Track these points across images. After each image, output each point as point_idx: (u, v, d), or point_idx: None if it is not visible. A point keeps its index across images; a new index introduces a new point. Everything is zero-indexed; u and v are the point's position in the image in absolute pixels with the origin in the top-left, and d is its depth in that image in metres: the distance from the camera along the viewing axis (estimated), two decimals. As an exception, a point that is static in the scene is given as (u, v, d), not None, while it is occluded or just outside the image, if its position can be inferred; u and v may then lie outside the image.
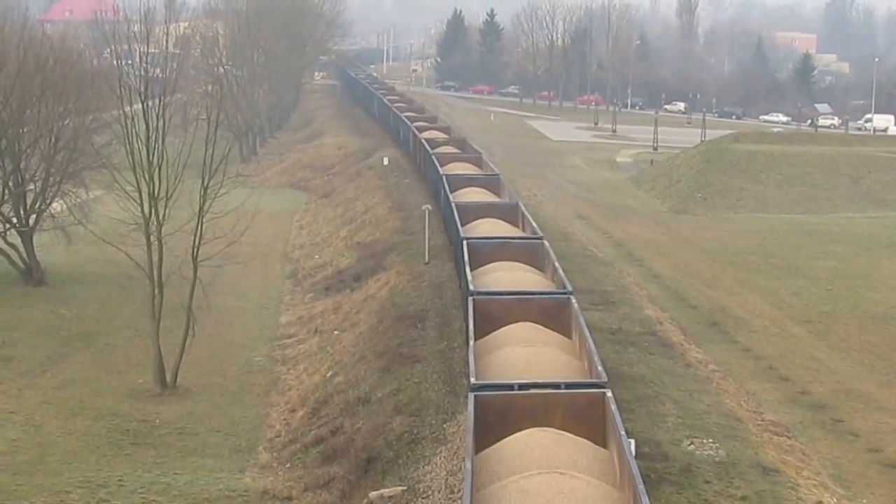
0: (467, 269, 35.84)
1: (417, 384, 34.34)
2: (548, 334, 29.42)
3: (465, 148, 75.71)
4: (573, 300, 31.31)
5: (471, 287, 33.22)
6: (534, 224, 44.45)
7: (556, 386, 24.03)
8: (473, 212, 47.19)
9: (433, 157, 65.31)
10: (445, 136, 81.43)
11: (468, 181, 56.96)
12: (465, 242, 39.57)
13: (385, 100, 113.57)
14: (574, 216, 75.43)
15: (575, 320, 29.94)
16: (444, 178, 56.05)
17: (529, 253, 39.44)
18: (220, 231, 42.71)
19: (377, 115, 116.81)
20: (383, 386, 35.64)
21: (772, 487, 25.93)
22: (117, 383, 41.74)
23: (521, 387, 23.87)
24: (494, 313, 30.50)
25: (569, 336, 30.02)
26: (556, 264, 36.47)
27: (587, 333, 27.85)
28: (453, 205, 47.88)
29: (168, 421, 37.63)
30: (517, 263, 38.13)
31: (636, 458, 20.35)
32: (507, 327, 29.66)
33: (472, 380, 24.29)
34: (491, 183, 57.35)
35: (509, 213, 47.72)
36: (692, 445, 28.16)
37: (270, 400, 40.31)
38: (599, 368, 25.04)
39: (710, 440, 28.60)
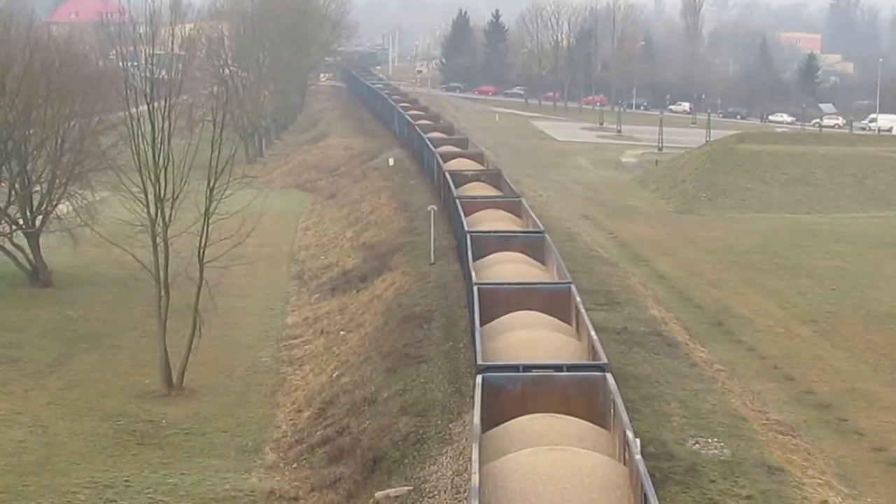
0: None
1: (423, 384, 34.43)
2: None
3: (501, 184, 60.67)
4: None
5: (474, 489, 19.99)
6: (589, 323, 30.57)
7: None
8: (505, 298, 33.81)
9: (458, 202, 51.41)
10: (477, 168, 67.22)
11: (502, 242, 43.31)
12: (481, 381, 25.18)
13: (407, 115, 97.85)
14: (579, 216, 75.42)
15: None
16: (467, 236, 42.89)
17: (581, 392, 25.56)
18: (225, 232, 42.79)
19: (397, 132, 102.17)
20: (389, 386, 35.72)
21: (777, 486, 26.00)
22: (124, 384, 41.85)
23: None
24: None
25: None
26: (625, 418, 23.11)
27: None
28: (475, 290, 34.17)
29: (174, 421, 37.73)
30: (557, 416, 24.53)
31: (641, 456, 20.63)
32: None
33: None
34: (533, 246, 43.02)
35: (556, 303, 33.80)
36: (697, 445, 28.23)
37: (276, 400, 40.41)
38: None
39: (715, 439, 28.67)
